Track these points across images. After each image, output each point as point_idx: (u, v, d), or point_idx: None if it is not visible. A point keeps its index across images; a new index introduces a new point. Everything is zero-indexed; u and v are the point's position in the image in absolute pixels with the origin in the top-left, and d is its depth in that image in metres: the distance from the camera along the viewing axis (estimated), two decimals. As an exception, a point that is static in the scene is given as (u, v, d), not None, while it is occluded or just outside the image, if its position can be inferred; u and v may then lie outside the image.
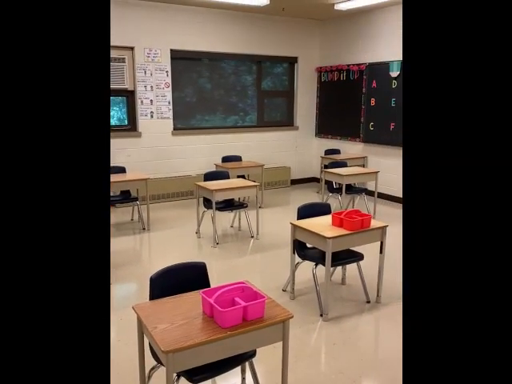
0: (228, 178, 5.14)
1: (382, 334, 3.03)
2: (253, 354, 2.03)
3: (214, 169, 6.17)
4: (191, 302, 2.00)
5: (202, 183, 4.79)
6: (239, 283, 1.98)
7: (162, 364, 1.85)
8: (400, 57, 6.21)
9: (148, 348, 1.98)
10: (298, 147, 7.88)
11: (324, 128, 7.84)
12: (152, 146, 6.43)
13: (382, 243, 3.31)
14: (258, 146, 7.42)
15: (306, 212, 3.48)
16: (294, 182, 7.89)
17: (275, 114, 7.70)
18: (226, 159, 6.45)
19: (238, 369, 2.24)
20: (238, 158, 6.55)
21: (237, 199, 5.10)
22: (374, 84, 6.71)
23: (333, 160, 6.36)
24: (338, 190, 5.74)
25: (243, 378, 2.31)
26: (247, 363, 2.12)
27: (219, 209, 4.80)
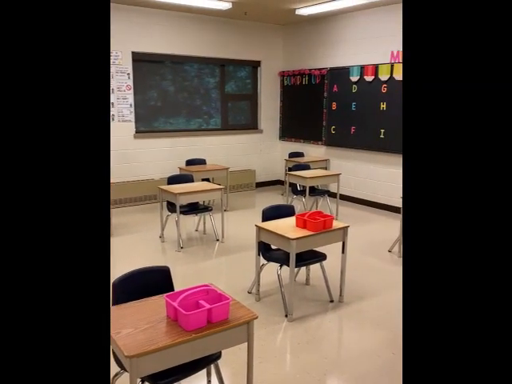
0: (192, 181, 5.12)
1: (345, 333, 3.11)
2: (218, 356, 2.03)
3: (177, 172, 6.12)
4: (155, 306, 1.98)
5: (166, 187, 4.74)
6: (203, 286, 1.99)
7: (125, 370, 1.83)
8: (360, 62, 6.39)
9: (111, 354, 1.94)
10: (262, 150, 7.95)
11: (288, 131, 7.94)
12: (114, 150, 6.30)
13: (343, 243, 3.39)
14: (223, 149, 7.43)
15: (271, 214, 3.52)
16: (259, 184, 7.95)
17: (239, 117, 7.74)
18: (190, 162, 6.42)
19: (204, 372, 2.24)
20: (202, 161, 6.53)
21: (201, 202, 5.08)
22: (335, 88, 6.86)
23: (296, 163, 6.45)
24: (302, 192, 5.83)
25: (209, 381, 2.31)
26: (212, 366, 2.12)
27: (183, 212, 4.77)
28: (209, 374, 2.30)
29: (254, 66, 7.66)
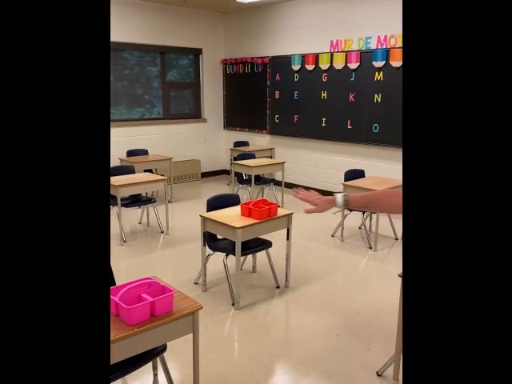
0: (133, 172, 4.96)
1: (292, 317, 3.17)
2: (163, 348, 2.00)
3: (118, 163, 5.91)
4: (95, 302, 1.90)
5: (106, 179, 4.56)
6: (146, 279, 1.93)
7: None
8: (300, 51, 6.47)
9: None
10: (206, 140, 7.86)
11: (232, 120, 7.91)
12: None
13: (288, 230, 3.44)
14: (166, 139, 7.26)
15: (216, 204, 3.50)
16: (205, 174, 7.87)
17: (182, 106, 7.59)
18: (131, 153, 6.21)
19: (150, 365, 2.20)
20: (144, 152, 6.34)
21: (144, 194, 4.95)
22: (278, 77, 6.91)
23: (241, 152, 6.45)
24: (248, 182, 5.84)
25: (155, 375, 2.27)
26: (158, 359, 2.08)
27: (125, 205, 4.62)
28: (155, 368, 2.26)
29: (196, 53, 7.52)
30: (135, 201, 4.77)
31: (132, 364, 1.87)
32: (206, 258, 3.40)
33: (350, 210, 4.35)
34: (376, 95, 5.63)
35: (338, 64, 6.00)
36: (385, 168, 5.65)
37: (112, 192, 4.48)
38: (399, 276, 2.10)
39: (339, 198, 1.49)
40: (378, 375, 2.42)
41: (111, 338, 1.63)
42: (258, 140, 7.47)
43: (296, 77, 6.61)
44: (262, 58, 7.07)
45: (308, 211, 1.52)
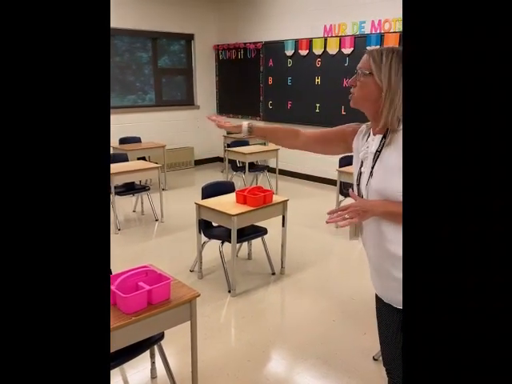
0: (127, 160, 4.92)
1: (288, 303, 3.19)
2: (161, 336, 2.00)
3: (111, 151, 5.85)
4: (91, 291, 1.89)
5: (99, 167, 4.52)
6: (142, 267, 1.92)
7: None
8: (294, 36, 6.39)
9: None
10: (199, 127, 7.79)
11: (225, 107, 7.84)
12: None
13: (283, 217, 3.44)
14: (159, 127, 7.18)
15: (211, 191, 3.48)
16: (198, 162, 7.82)
17: (175, 92, 7.50)
18: (123, 141, 6.14)
19: (147, 353, 2.20)
20: (137, 140, 6.28)
21: (138, 182, 4.91)
22: (271, 63, 6.84)
23: (235, 139, 6.40)
24: (242, 169, 5.82)
25: (153, 362, 2.28)
26: (156, 347, 2.09)
27: (119, 193, 4.59)
28: (152, 356, 2.26)
29: (188, 39, 7.41)
30: (129, 189, 4.74)
31: (130, 352, 1.87)
32: (201, 246, 3.39)
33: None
34: (370, 81, 5.59)
35: (332, 49, 5.95)
36: (379, 154, 5.64)
37: (105, 180, 4.44)
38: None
39: (245, 124, 1.69)
40: (375, 359, 2.45)
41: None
42: (252, 127, 7.41)
43: (289, 62, 6.55)
44: (254, 43, 6.99)
45: (219, 126, 1.75)
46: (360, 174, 1.43)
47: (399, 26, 5.23)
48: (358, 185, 1.43)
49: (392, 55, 1.30)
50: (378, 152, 1.35)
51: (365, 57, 1.36)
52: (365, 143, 1.44)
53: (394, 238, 1.33)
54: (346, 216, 1.31)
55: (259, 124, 1.75)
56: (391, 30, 5.32)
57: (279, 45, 6.62)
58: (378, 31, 5.45)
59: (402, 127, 1.26)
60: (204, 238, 3.39)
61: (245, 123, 1.70)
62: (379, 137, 1.36)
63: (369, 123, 1.46)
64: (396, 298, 1.39)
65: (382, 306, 1.53)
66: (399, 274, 1.32)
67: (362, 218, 1.34)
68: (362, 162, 1.42)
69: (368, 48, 1.53)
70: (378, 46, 5.40)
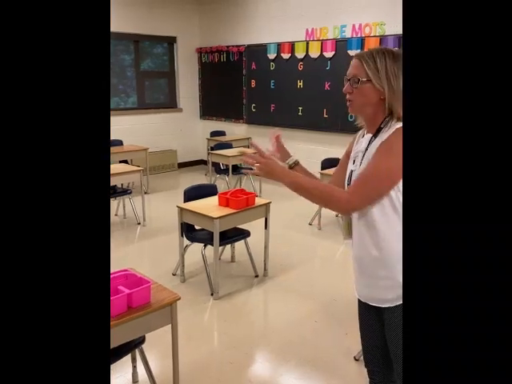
0: (109, 163, 4.87)
1: (271, 305, 3.20)
2: (142, 340, 1.98)
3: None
4: (70, 296, 1.87)
5: (80, 170, 4.47)
6: (122, 271, 1.91)
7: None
8: (276, 39, 6.43)
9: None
10: (182, 129, 7.76)
11: (208, 110, 7.83)
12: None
13: (266, 219, 3.45)
14: (141, 130, 7.13)
15: (193, 194, 3.47)
16: (182, 165, 7.79)
17: (157, 95, 7.46)
18: (106, 144, 6.09)
19: (129, 357, 2.18)
20: (119, 143, 6.23)
21: (119, 185, 4.87)
22: (254, 66, 6.86)
23: (218, 142, 6.40)
24: (225, 171, 5.81)
25: (134, 367, 2.25)
26: (137, 350, 2.07)
27: (101, 197, 4.53)
28: (134, 360, 2.24)
29: (170, 42, 7.39)
30: (111, 192, 4.69)
31: (110, 357, 1.85)
32: (183, 249, 3.38)
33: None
34: (351, 84, 5.65)
35: (314, 52, 6.00)
36: (361, 156, 5.70)
37: (86, 184, 4.39)
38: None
39: (292, 159, 1.65)
40: (356, 360, 2.47)
41: (88, 332, 1.60)
42: (235, 129, 7.42)
43: (272, 65, 6.58)
44: (237, 46, 7.00)
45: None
46: (351, 172, 1.45)
47: (379, 30, 5.31)
48: (349, 184, 1.45)
49: (384, 57, 1.29)
50: (366, 150, 1.37)
51: (356, 62, 1.33)
52: (357, 143, 1.47)
53: (379, 239, 1.35)
54: (256, 165, 1.38)
55: (303, 167, 1.66)
56: (371, 34, 5.39)
57: (262, 48, 6.64)
58: (359, 35, 5.52)
59: (393, 125, 1.30)
60: (186, 241, 3.37)
61: (293, 158, 1.65)
62: (369, 136, 1.39)
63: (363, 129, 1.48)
64: (380, 297, 1.41)
65: (364, 308, 1.55)
66: (383, 273, 1.35)
67: (264, 176, 1.41)
68: (353, 161, 1.45)
69: (356, 53, 1.54)
70: (364, 50, 5.47)
